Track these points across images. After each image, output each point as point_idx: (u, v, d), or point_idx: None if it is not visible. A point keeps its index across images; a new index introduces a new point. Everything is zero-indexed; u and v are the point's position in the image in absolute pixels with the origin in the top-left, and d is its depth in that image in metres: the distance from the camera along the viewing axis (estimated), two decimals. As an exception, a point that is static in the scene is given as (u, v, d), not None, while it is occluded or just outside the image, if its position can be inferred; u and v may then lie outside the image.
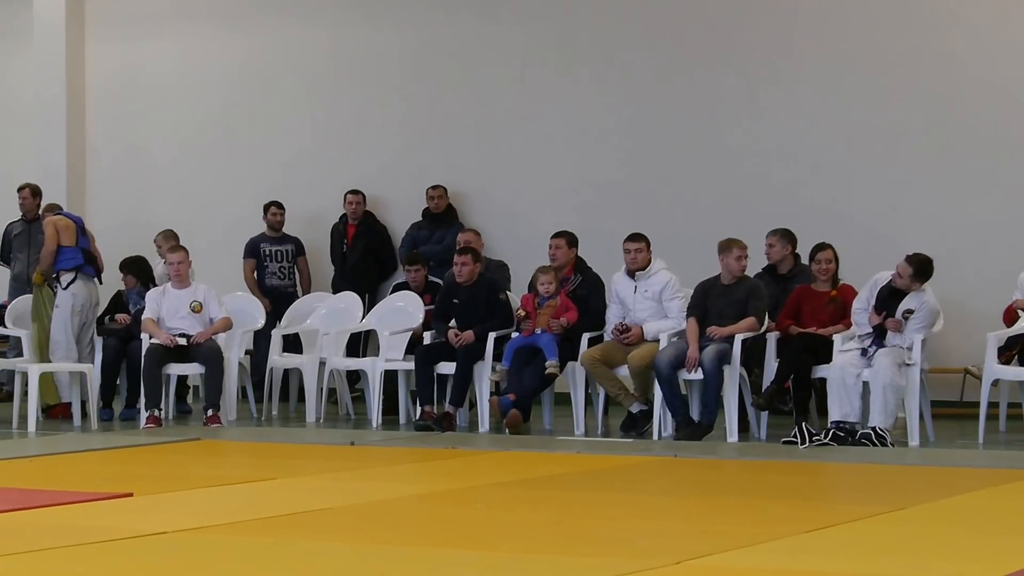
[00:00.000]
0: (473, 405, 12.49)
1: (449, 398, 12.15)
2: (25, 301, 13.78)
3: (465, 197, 14.92)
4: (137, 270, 13.61)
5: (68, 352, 12.92)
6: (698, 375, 11.21)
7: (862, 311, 11.02)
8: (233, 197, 15.95)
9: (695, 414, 11.23)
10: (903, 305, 10.86)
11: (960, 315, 12.15)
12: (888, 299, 10.93)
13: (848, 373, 10.75)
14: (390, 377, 12.89)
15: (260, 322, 13.71)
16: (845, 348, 10.99)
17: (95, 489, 8.22)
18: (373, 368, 12.81)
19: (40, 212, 14.26)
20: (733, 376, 11.20)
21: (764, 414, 11.38)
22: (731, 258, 11.42)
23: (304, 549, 6.50)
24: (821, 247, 11.62)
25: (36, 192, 14.91)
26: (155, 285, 13.36)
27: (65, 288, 12.99)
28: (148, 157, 16.57)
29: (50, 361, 12.91)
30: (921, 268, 10.87)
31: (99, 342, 13.31)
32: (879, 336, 10.89)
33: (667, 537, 6.92)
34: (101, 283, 13.38)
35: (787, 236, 12.13)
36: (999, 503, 8.04)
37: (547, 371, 11.79)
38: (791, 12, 13.81)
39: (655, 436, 11.35)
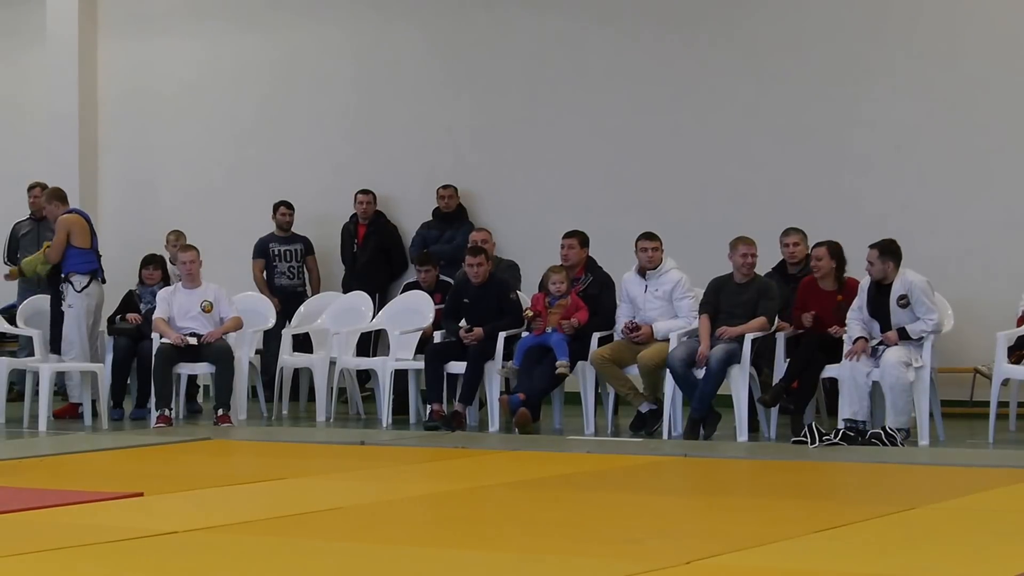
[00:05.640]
0: (483, 404, 12.50)
1: (459, 397, 12.16)
2: (34, 301, 13.82)
3: (475, 196, 14.92)
4: (163, 264, 13.68)
5: (82, 352, 12.95)
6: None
7: (855, 320, 10.99)
8: (243, 197, 15.97)
9: (692, 409, 11.25)
10: (893, 295, 10.84)
11: (970, 314, 12.12)
12: (877, 297, 10.91)
13: (858, 372, 10.74)
14: (400, 376, 12.90)
15: (270, 322, 13.73)
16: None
17: (105, 489, 8.23)
18: (383, 367, 12.82)
19: (45, 202, 13.94)
20: (743, 375, 11.20)
21: (774, 414, 11.38)
22: (737, 255, 11.42)
23: (314, 549, 6.51)
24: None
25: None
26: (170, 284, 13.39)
27: (79, 291, 13.00)
28: (159, 156, 16.59)
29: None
30: (885, 247, 10.86)
31: (110, 342, 13.33)
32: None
33: (677, 537, 6.92)
34: (105, 282, 13.39)
35: (805, 235, 12.14)
36: (1009, 503, 8.02)
37: (557, 371, 11.79)
38: (801, 10, 13.79)
39: (665, 436, 11.35)
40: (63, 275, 13.11)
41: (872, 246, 10.91)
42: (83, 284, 13.03)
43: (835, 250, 11.41)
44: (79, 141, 16.61)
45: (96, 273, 13.17)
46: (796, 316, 11.45)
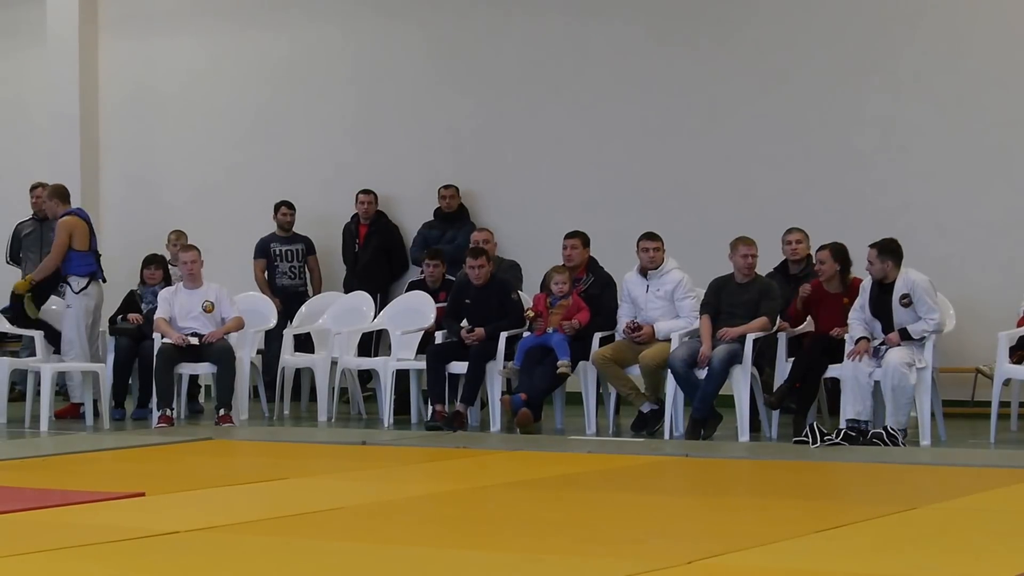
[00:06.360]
0: (484, 405, 12.50)
1: (460, 397, 12.16)
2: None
3: (476, 196, 14.92)
4: (165, 264, 13.68)
5: (82, 352, 12.95)
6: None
7: (857, 320, 10.99)
8: (244, 197, 15.97)
9: (694, 409, 11.25)
10: (895, 294, 10.84)
11: (971, 314, 12.13)
12: (880, 296, 10.91)
13: (860, 372, 10.74)
14: (402, 376, 12.90)
15: (272, 321, 13.73)
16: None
17: (107, 489, 8.24)
18: (385, 367, 12.82)
19: (47, 199, 13.80)
20: (745, 376, 11.20)
21: (776, 414, 11.38)
22: (737, 256, 11.42)
23: (315, 549, 6.51)
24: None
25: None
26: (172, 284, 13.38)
27: (77, 293, 13.00)
28: (160, 156, 16.59)
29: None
30: (884, 246, 10.85)
31: (111, 342, 13.33)
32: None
33: (678, 537, 6.92)
34: (105, 281, 13.39)
35: (807, 234, 12.14)
36: (1010, 503, 8.02)
37: (559, 371, 11.79)
38: (805, 9, 13.79)
39: (666, 436, 11.36)
40: (63, 276, 13.11)
41: (871, 245, 10.91)
42: (81, 286, 13.03)
43: (838, 252, 11.40)
44: (80, 141, 16.61)
45: (95, 275, 13.16)
46: (793, 306, 11.45)
